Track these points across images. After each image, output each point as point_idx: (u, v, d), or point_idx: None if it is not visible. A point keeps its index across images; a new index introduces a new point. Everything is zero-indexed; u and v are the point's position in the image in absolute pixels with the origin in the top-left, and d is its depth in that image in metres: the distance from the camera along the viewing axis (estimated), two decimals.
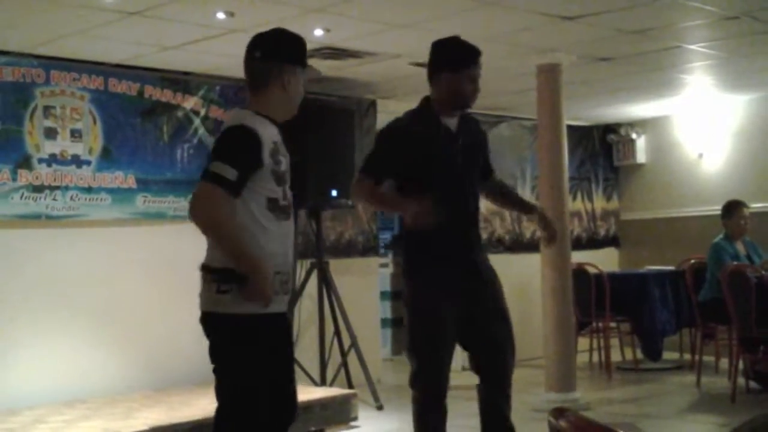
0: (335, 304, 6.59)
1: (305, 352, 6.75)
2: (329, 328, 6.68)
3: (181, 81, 6.54)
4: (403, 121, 3.92)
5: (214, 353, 3.22)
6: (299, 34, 3.34)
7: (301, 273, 6.76)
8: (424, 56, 6.01)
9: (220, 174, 2.98)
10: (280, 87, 3.18)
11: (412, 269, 3.78)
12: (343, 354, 6.62)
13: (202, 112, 6.64)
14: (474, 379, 4.06)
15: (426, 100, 3.95)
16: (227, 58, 6.18)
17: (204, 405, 5.48)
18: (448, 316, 3.74)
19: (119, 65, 6.19)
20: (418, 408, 3.87)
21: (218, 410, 3.24)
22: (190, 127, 6.58)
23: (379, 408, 6.44)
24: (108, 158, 6.15)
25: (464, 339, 3.93)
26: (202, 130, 6.63)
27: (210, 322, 3.18)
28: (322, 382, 6.60)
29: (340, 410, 5.74)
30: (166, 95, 6.46)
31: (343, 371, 6.59)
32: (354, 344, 6.55)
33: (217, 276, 3.09)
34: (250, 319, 3.06)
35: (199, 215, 3.04)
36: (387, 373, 8.01)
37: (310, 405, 5.58)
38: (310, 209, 6.79)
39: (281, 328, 3.26)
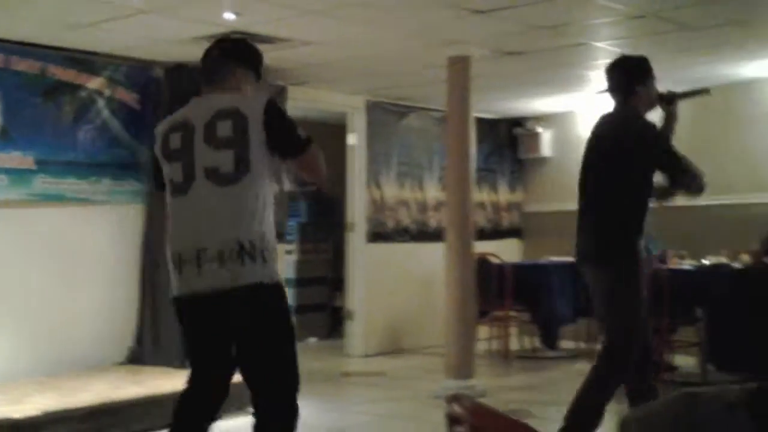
0: None
1: None
2: None
3: (86, 61, 6.38)
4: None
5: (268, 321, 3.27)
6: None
7: None
8: (336, 44, 6.02)
9: None
10: (235, 84, 3.43)
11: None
12: None
13: (107, 93, 6.50)
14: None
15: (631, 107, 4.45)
16: (134, 39, 6.08)
17: (99, 390, 5.40)
18: None
19: (22, 43, 6.02)
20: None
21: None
22: (93, 108, 6.44)
23: None
24: (5, 138, 5.96)
25: None
26: (106, 112, 6.49)
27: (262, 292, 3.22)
28: None
29: (239, 397, 5.68)
30: (69, 75, 6.30)
31: None
32: None
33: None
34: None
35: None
36: None
37: None
38: None
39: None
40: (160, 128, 3.42)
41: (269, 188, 3.27)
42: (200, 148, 3.24)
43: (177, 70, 6.65)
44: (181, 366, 6.50)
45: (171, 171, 3.32)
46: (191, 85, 6.59)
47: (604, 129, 4.50)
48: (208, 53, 3.52)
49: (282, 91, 7.56)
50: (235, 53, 3.52)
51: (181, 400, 3.43)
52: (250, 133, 3.20)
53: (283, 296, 3.28)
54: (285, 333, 3.29)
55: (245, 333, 3.26)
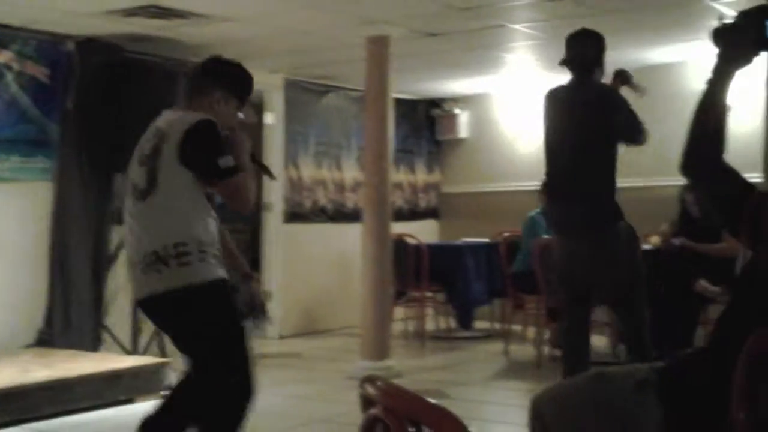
0: None
1: (117, 320, 6.59)
2: None
3: None
4: None
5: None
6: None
7: (115, 239, 6.58)
8: (255, 20, 5.94)
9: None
10: (208, 104, 3.42)
11: None
12: None
13: (16, 67, 6.28)
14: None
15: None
16: (44, 12, 5.89)
17: (8, 373, 5.25)
18: None
19: None
20: None
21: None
22: (1, 83, 6.21)
23: None
24: None
25: None
26: (14, 87, 6.27)
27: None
28: (134, 351, 6.44)
29: (152, 379, 5.62)
30: None
31: (156, 340, 6.44)
32: None
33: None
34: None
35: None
36: None
37: (120, 374, 5.48)
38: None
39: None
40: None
41: (184, 200, 3.26)
42: (133, 164, 3.38)
43: (88, 44, 6.49)
44: (92, 349, 6.39)
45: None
46: (103, 60, 6.53)
47: (578, 97, 4.75)
48: (194, 70, 3.57)
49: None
50: (216, 74, 3.50)
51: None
52: (164, 152, 3.25)
53: (206, 297, 3.29)
54: (211, 330, 3.32)
55: (174, 333, 3.43)
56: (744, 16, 2.23)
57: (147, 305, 3.38)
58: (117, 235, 6.60)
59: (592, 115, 4.67)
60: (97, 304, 6.59)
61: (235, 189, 3.28)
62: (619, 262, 4.67)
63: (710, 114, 2.24)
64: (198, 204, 3.30)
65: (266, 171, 3.80)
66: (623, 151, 4.75)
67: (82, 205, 6.51)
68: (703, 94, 2.24)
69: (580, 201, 4.70)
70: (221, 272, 3.32)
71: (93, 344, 6.48)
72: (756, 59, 2.26)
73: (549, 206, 5.06)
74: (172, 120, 3.36)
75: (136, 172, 3.34)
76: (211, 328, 3.31)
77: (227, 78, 3.50)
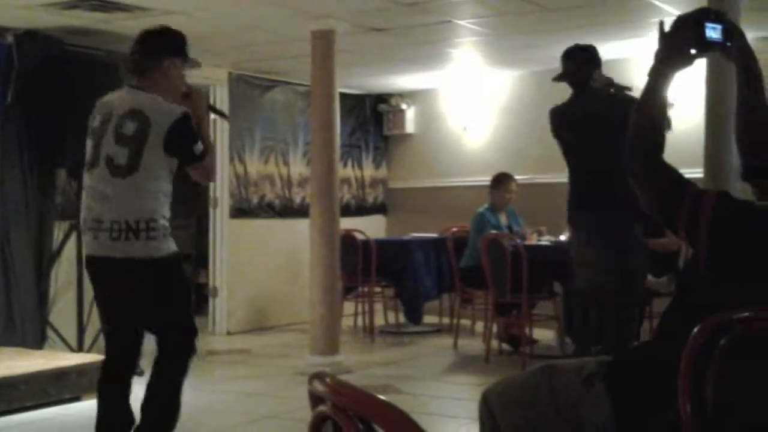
0: None
1: (62, 317, 6.48)
2: (89, 293, 6.41)
3: None
4: None
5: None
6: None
7: (59, 235, 6.47)
8: (199, 13, 5.89)
9: None
10: (161, 74, 3.83)
11: None
12: None
13: None
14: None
15: None
16: None
17: None
18: None
19: None
20: None
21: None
22: None
23: (140, 374, 6.26)
24: None
25: None
26: None
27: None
28: (80, 348, 6.34)
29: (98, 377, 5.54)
30: None
31: (102, 337, 6.35)
32: None
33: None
34: None
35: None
36: (149, 338, 7.80)
37: (65, 372, 5.39)
38: (70, 168, 6.48)
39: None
40: (97, 103, 3.91)
41: (161, 181, 3.73)
42: (108, 138, 3.73)
43: (28, 37, 6.37)
44: (36, 346, 6.28)
45: (87, 146, 3.83)
46: (42, 53, 6.41)
47: (588, 110, 5.08)
48: (134, 49, 3.88)
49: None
50: (154, 46, 3.87)
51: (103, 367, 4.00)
52: (149, 139, 3.68)
53: (168, 268, 3.78)
54: (167, 301, 3.84)
55: (132, 298, 3.82)
56: (684, 18, 2.25)
57: (102, 264, 3.78)
58: (60, 231, 6.50)
59: (607, 123, 4.85)
60: (41, 302, 6.48)
61: (205, 169, 3.88)
62: (637, 265, 5.08)
63: (649, 112, 2.26)
64: (168, 186, 3.79)
65: (222, 115, 4.52)
66: None
67: (23, 201, 6.38)
68: (643, 92, 2.26)
69: (612, 207, 4.96)
70: (175, 246, 3.83)
71: (37, 342, 6.37)
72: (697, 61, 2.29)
73: (580, 214, 5.21)
74: (148, 104, 3.73)
75: (112, 148, 3.71)
76: (172, 293, 3.85)
77: (164, 44, 3.89)
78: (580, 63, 5.12)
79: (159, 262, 3.74)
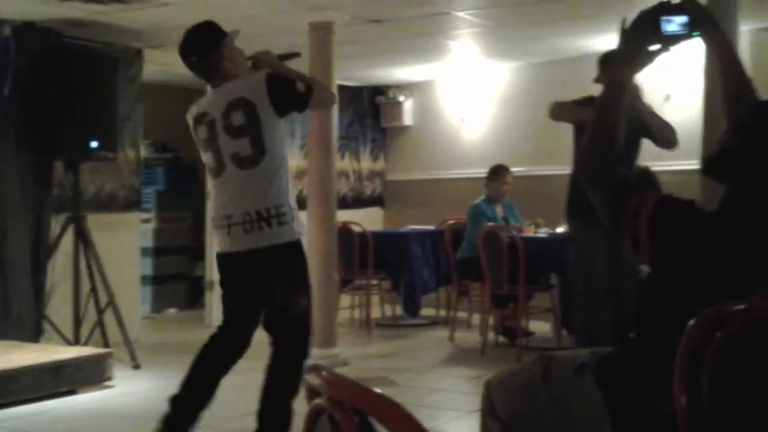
0: (92, 260, 6.33)
1: (58, 310, 6.47)
2: (86, 286, 6.42)
3: None
4: None
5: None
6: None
7: (55, 228, 6.46)
8: (195, 5, 5.88)
9: None
10: (227, 63, 3.92)
11: None
12: (99, 312, 6.38)
13: None
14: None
15: None
16: None
17: None
18: None
19: None
20: None
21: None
22: None
23: (136, 367, 6.29)
24: None
25: None
26: None
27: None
28: (76, 341, 6.34)
29: (95, 370, 5.55)
30: None
31: (98, 330, 6.36)
32: (111, 302, 6.34)
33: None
34: None
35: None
36: (146, 331, 7.82)
37: (61, 365, 5.39)
38: (67, 161, 6.48)
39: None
40: (189, 116, 4.00)
41: (282, 170, 3.84)
42: (223, 139, 3.82)
43: (25, 29, 6.35)
44: (33, 339, 6.27)
45: (206, 158, 3.94)
46: (40, 45, 6.40)
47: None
48: (191, 63, 3.94)
49: (137, 54, 7.33)
50: (205, 45, 3.92)
51: (205, 349, 4.07)
52: (259, 113, 3.77)
53: (298, 251, 3.91)
54: (299, 283, 3.94)
55: (267, 285, 3.90)
56: (642, 13, 2.20)
57: (243, 258, 3.85)
58: (57, 224, 6.49)
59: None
60: (38, 295, 6.47)
61: (319, 101, 4.02)
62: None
63: (606, 115, 2.17)
64: (287, 172, 3.89)
65: (294, 55, 4.38)
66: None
67: (21, 194, 6.38)
68: (600, 94, 2.19)
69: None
70: (301, 228, 3.97)
71: (34, 335, 6.36)
72: (660, 58, 2.21)
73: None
74: (237, 89, 3.84)
75: (233, 145, 3.79)
76: (302, 274, 3.98)
77: (208, 41, 3.93)
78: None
79: (293, 246, 3.86)
